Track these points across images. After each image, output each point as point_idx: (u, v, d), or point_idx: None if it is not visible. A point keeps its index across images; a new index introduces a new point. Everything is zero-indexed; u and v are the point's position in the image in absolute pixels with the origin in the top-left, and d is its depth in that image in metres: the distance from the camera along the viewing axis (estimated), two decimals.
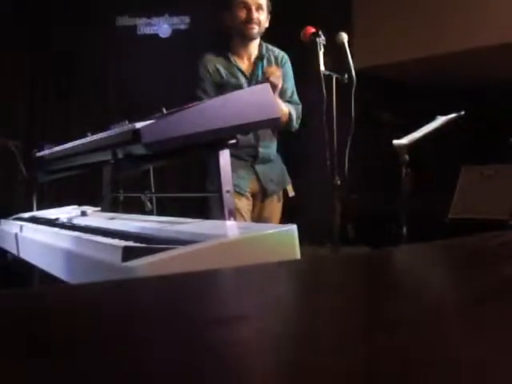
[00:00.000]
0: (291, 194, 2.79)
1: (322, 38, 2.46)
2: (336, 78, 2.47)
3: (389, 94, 5.70)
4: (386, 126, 4.87)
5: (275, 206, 2.73)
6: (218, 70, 2.60)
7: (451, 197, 4.52)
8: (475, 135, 5.71)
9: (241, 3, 2.56)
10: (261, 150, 2.65)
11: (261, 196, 2.68)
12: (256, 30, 2.60)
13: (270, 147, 2.72)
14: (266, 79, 2.42)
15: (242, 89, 2.52)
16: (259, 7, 2.59)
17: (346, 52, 2.47)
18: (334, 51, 2.54)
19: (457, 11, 5.02)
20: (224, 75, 2.61)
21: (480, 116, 5.27)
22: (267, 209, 2.69)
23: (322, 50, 2.46)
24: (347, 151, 2.44)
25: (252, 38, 2.64)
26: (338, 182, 2.42)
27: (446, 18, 5.06)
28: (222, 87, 2.56)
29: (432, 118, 3.32)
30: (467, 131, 4.83)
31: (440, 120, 3.28)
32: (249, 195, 2.64)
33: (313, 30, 2.49)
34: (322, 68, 2.44)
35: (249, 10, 2.56)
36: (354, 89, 2.46)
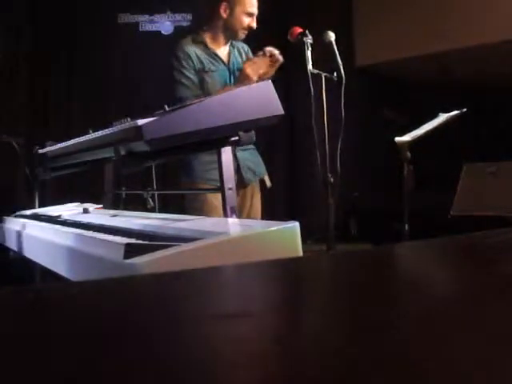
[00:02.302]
0: (268, 184, 2.81)
1: (309, 37, 2.52)
2: (325, 77, 2.52)
3: (391, 91, 5.69)
4: (388, 124, 4.86)
5: (254, 197, 2.75)
6: (197, 56, 2.64)
7: (453, 194, 4.51)
8: (477, 132, 5.70)
9: (248, 13, 2.63)
10: (240, 133, 2.69)
11: (237, 186, 2.72)
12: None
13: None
14: (268, 56, 2.50)
15: (221, 75, 2.65)
16: (256, 16, 2.69)
17: (333, 50, 2.51)
18: (323, 50, 2.59)
19: (458, 8, 5.02)
20: (204, 62, 2.65)
21: (482, 113, 5.26)
22: (245, 200, 2.71)
23: (310, 49, 2.51)
24: (339, 148, 2.46)
25: (239, 40, 2.74)
26: (331, 180, 2.43)
27: (448, 15, 5.05)
28: (203, 73, 2.62)
29: (434, 115, 3.32)
30: (469, 128, 4.82)
31: (442, 117, 3.28)
32: None
33: (300, 29, 2.55)
34: (310, 67, 2.48)
35: (251, 20, 2.65)
36: (343, 87, 2.50)
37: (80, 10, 5.33)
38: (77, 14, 5.33)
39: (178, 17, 5.44)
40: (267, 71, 2.52)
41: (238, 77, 2.62)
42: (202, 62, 2.63)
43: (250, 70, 2.50)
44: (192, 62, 2.62)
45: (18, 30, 5.07)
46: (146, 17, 5.45)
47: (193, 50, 2.64)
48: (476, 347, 0.33)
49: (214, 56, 2.68)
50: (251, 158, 2.74)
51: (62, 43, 5.32)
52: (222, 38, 2.70)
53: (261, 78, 2.52)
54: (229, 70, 2.68)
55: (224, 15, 2.64)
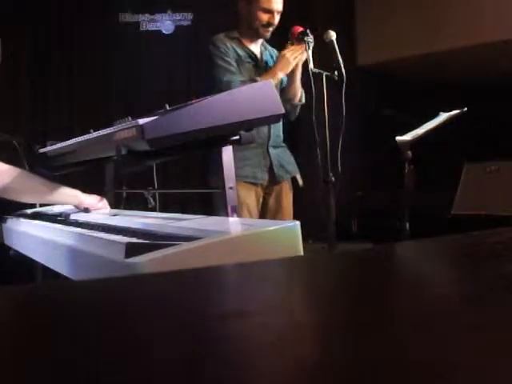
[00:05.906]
0: (301, 183, 2.82)
1: (310, 36, 2.52)
2: (326, 76, 2.52)
3: (392, 90, 5.68)
4: (389, 123, 4.86)
5: (286, 196, 2.77)
6: (234, 48, 2.66)
7: (454, 193, 4.51)
8: (478, 131, 5.70)
9: (264, 8, 2.63)
10: (272, 130, 2.71)
11: (270, 184, 2.73)
12: (270, 32, 2.69)
13: (279, 130, 2.79)
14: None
15: (253, 71, 2.67)
16: (279, 12, 2.68)
17: (334, 50, 2.51)
18: (324, 49, 2.59)
19: (458, 7, 5.02)
20: (240, 53, 2.67)
21: (483, 112, 5.26)
22: (278, 198, 2.74)
23: (311, 48, 2.51)
24: (340, 147, 2.46)
25: (265, 39, 2.75)
26: (332, 179, 2.44)
27: (448, 15, 5.05)
28: (240, 62, 2.65)
29: (435, 115, 3.31)
30: (470, 127, 4.82)
31: (443, 116, 3.27)
32: (262, 186, 2.70)
33: (301, 28, 2.56)
34: (311, 66, 2.48)
35: (271, 16, 2.65)
36: (344, 86, 2.51)
37: (80, 9, 5.33)
38: (77, 13, 5.32)
39: (179, 16, 5.44)
40: (301, 57, 2.57)
41: (277, 61, 2.63)
42: (238, 54, 2.66)
43: (289, 55, 2.53)
44: (229, 51, 2.64)
45: (18, 30, 5.07)
46: (147, 16, 5.44)
47: (229, 43, 2.67)
48: (476, 347, 0.33)
49: (248, 51, 2.71)
50: (283, 155, 2.77)
51: (63, 43, 5.32)
52: (249, 36, 2.72)
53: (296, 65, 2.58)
54: (257, 68, 2.70)
55: (243, 12, 2.68)
